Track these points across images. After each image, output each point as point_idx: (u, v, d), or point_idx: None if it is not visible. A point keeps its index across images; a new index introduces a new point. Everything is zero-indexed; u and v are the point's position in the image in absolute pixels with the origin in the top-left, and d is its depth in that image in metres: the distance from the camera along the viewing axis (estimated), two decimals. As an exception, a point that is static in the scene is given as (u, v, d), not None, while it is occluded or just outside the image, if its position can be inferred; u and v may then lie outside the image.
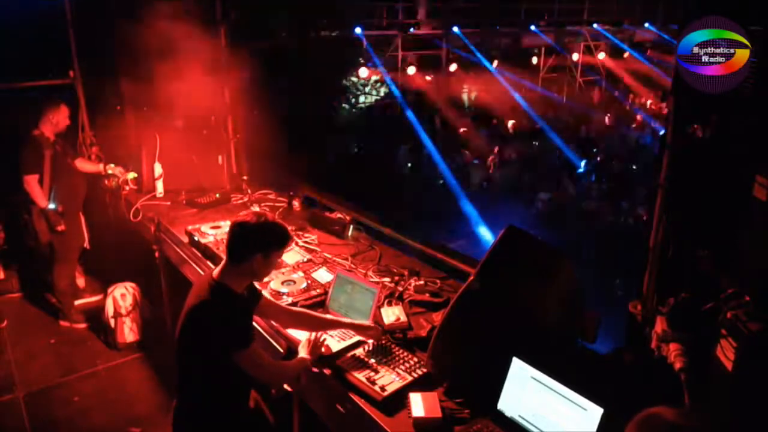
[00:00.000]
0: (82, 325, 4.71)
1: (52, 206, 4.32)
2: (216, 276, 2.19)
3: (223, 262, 2.22)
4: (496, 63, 14.03)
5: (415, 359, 2.36)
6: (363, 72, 11.77)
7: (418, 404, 2.06)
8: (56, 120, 4.33)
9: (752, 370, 1.69)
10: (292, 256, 3.37)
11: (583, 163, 11.06)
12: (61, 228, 4.35)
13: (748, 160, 1.87)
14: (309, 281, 3.01)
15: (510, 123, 13.25)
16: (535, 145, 12.39)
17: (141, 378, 4.17)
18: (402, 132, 11.70)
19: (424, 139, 11.50)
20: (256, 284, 2.49)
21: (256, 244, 2.17)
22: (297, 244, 3.58)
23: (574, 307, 2.38)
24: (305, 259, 3.34)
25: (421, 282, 3.04)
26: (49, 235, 4.39)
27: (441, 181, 10.73)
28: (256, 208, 4.21)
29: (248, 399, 2.38)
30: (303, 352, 2.38)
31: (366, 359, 2.36)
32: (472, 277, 2.37)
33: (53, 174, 4.31)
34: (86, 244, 4.77)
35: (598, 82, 16.20)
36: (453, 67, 13.53)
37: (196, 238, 3.57)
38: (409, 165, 11.27)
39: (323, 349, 2.43)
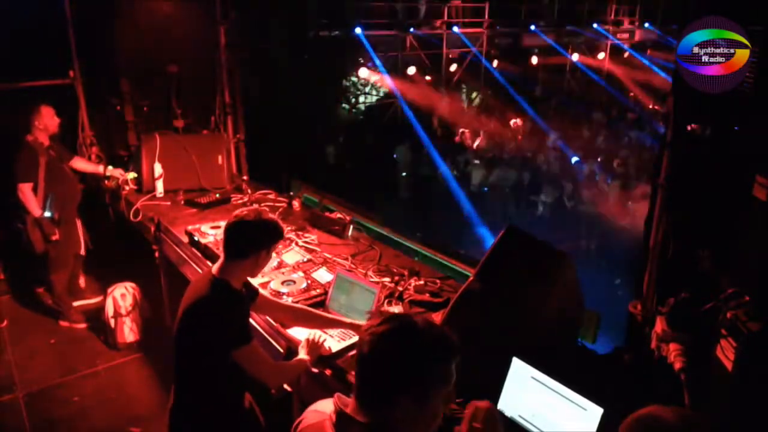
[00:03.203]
0: (82, 325, 4.71)
1: (47, 214, 4.28)
2: (216, 273, 2.19)
3: (221, 260, 2.21)
4: (496, 63, 14.03)
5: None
6: (363, 72, 11.77)
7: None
8: (43, 124, 4.26)
9: (752, 370, 1.69)
10: (292, 256, 3.37)
11: (574, 160, 11.04)
12: (55, 237, 4.30)
13: (748, 160, 1.87)
14: (309, 281, 3.01)
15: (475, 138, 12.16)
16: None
17: (141, 378, 4.17)
18: (402, 131, 11.70)
19: (424, 139, 11.48)
20: (253, 282, 2.49)
21: (260, 239, 2.19)
22: (297, 244, 3.58)
23: (574, 307, 2.38)
24: (305, 259, 3.34)
25: (421, 282, 3.04)
26: (43, 244, 4.33)
27: (440, 181, 10.73)
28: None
29: (244, 400, 2.39)
30: (303, 353, 2.37)
31: (366, 359, 2.36)
32: (472, 278, 2.38)
33: (48, 181, 4.26)
34: (82, 251, 4.76)
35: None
36: (453, 67, 13.54)
37: (196, 238, 3.57)
38: (409, 165, 11.27)
39: (323, 350, 2.43)
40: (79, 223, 4.71)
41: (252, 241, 2.18)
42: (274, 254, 2.39)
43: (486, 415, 1.61)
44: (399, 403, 1.25)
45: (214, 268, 2.21)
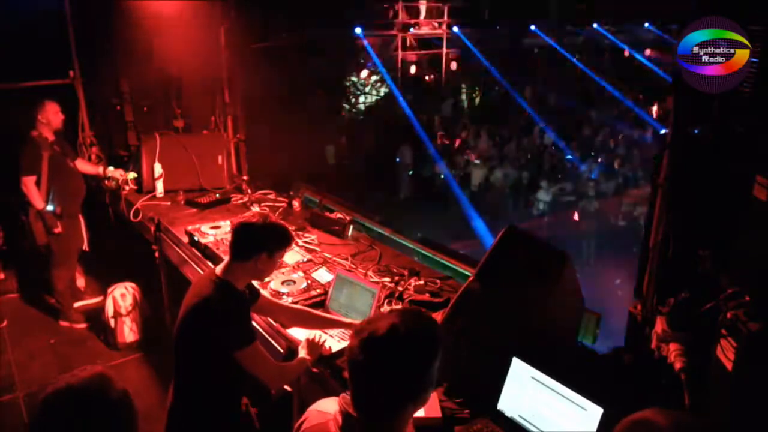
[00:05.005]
0: (82, 325, 4.71)
1: (49, 208, 4.30)
2: (219, 273, 2.21)
3: (226, 260, 2.24)
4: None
5: (415, 359, 2.36)
6: (363, 72, 11.78)
7: (418, 404, 2.06)
8: (47, 119, 4.27)
9: (752, 370, 1.69)
10: (292, 256, 3.37)
11: (569, 158, 11.05)
12: (57, 230, 4.31)
13: (748, 160, 1.87)
14: (309, 281, 3.02)
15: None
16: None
17: (141, 378, 4.16)
18: (402, 132, 11.70)
19: (424, 139, 11.48)
20: (255, 283, 2.49)
21: (262, 243, 2.21)
22: (297, 244, 3.57)
23: (574, 307, 2.38)
24: (305, 259, 3.34)
25: (421, 282, 3.04)
26: (45, 237, 4.35)
27: (440, 181, 10.73)
28: (256, 209, 4.22)
29: (241, 402, 2.39)
30: (303, 353, 2.38)
31: (366, 359, 2.36)
32: (472, 277, 2.38)
33: (51, 175, 4.28)
34: (85, 246, 4.76)
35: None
36: (453, 66, 13.55)
37: (196, 238, 3.57)
38: (409, 165, 11.27)
39: (323, 349, 2.43)
40: (82, 220, 4.71)
41: (254, 243, 2.20)
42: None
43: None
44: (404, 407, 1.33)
45: (218, 268, 2.24)
